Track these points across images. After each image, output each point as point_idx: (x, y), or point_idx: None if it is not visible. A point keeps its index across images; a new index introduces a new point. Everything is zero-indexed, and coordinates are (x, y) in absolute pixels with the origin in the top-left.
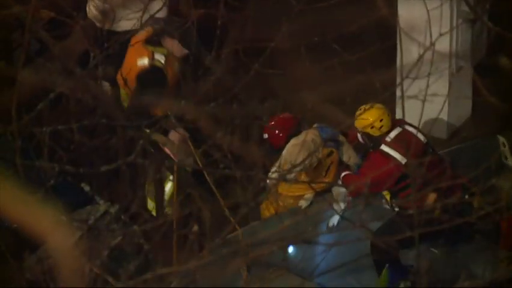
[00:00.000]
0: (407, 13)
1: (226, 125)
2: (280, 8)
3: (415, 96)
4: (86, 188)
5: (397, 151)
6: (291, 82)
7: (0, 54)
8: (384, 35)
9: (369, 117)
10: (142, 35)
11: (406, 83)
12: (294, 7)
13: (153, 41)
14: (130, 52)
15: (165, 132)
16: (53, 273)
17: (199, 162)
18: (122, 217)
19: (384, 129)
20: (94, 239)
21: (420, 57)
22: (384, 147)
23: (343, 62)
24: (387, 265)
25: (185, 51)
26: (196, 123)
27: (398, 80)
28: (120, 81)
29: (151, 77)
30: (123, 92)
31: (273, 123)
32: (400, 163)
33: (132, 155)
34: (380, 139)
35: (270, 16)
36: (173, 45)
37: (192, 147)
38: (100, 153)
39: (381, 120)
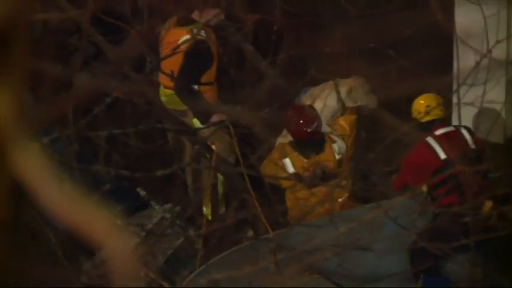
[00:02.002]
0: (463, 20)
1: (281, 130)
2: (336, 14)
3: (471, 103)
4: (142, 193)
5: (440, 146)
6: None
7: (57, 59)
8: (440, 42)
9: (419, 100)
10: (170, 23)
11: (462, 89)
12: (350, 13)
13: (185, 21)
14: (166, 44)
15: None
16: (109, 278)
17: (240, 159)
18: (178, 222)
19: (431, 116)
20: (151, 243)
21: (477, 64)
22: (429, 139)
23: (399, 67)
24: (422, 276)
25: (222, 15)
26: (251, 128)
27: (455, 86)
28: (164, 81)
29: (197, 50)
30: (167, 92)
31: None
32: (439, 157)
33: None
34: (429, 131)
35: (326, 22)
36: (208, 13)
37: (232, 137)
38: (155, 158)
39: (427, 106)
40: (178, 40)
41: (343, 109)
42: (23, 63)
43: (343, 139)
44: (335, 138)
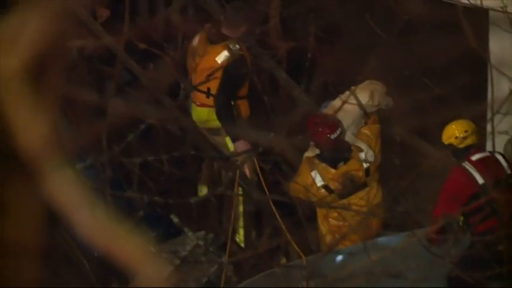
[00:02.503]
0: (498, 47)
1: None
2: (370, 40)
3: (506, 132)
4: (175, 220)
5: (477, 171)
6: (379, 114)
7: (92, 85)
8: (474, 69)
9: (453, 126)
10: (200, 40)
11: (497, 118)
12: (384, 39)
13: (217, 38)
14: (202, 62)
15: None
16: None
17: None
18: (212, 249)
19: (468, 142)
20: (185, 271)
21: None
22: (465, 164)
23: (432, 95)
24: None
25: (245, 26)
26: (284, 155)
27: (489, 115)
28: (200, 99)
29: (236, 66)
30: (199, 110)
31: (319, 119)
32: (477, 182)
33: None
34: (465, 157)
35: (359, 48)
36: (241, 29)
37: (256, 164)
38: (188, 184)
39: (465, 131)
40: (215, 57)
41: (365, 117)
42: (58, 89)
43: (370, 147)
44: (362, 146)
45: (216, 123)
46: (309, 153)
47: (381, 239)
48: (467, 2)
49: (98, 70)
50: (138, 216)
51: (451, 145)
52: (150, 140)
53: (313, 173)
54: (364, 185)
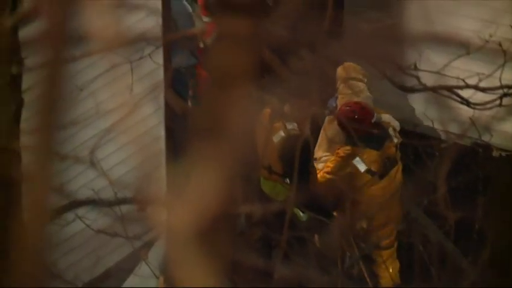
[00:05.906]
0: None
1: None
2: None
3: None
4: None
5: None
6: None
7: (258, 251)
8: None
9: None
10: (265, 114)
11: None
12: None
13: (278, 115)
14: (258, 138)
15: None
16: None
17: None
18: None
19: None
20: None
21: None
22: None
23: None
24: None
25: (308, 108)
26: None
27: None
28: (264, 173)
29: (294, 147)
30: (270, 184)
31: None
32: None
33: None
34: None
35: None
36: (295, 107)
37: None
38: None
39: None
40: (272, 137)
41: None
42: (225, 252)
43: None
44: (386, 120)
45: (281, 196)
46: (321, 152)
47: None
48: None
49: (265, 236)
50: None
51: None
52: None
53: (355, 161)
54: (396, 161)
